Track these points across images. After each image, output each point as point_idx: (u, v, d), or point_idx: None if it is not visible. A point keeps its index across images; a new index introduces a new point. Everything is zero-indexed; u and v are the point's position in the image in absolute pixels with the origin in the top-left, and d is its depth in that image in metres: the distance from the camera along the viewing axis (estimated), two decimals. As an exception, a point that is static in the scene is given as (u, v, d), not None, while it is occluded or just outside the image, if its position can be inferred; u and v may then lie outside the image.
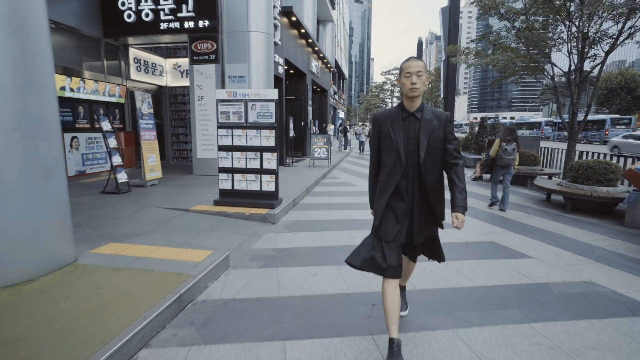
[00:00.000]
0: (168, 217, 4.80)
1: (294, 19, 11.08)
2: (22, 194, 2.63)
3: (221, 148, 5.34)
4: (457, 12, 18.60)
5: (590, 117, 39.33)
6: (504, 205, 6.01)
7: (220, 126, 5.28)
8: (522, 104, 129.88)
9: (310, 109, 15.08)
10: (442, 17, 22.57)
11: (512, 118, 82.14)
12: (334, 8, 20.91)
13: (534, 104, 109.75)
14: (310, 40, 13.59)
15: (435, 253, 2.26)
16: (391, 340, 2.00)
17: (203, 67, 8.40)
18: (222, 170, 5.40)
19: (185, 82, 10.64)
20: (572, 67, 8.08)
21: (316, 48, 14.88)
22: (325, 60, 17.71)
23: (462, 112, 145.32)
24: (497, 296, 2.95)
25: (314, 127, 16.38)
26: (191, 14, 7.94)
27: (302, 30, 12.31)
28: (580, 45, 7.73)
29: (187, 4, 7.91)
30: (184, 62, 10.54)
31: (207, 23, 7.96)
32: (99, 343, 1.98)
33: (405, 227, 2.03)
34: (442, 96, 27.99)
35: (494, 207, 6.28)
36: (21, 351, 1.92)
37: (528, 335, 2.36)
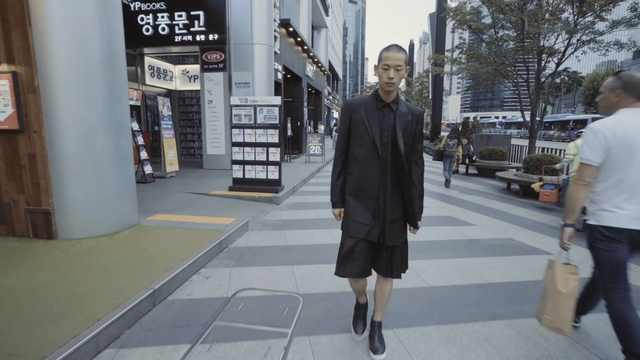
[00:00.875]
0: (193, 199, 6.00)
1: (291, 29, 12.30)
2: (112, 172, 3.83)
3: (234, 144, 6.56)
4: (444, 21, 19.85)
5: (574, 116, 41.08)
6: (448, 184, 8.29)
7: (234, 126, 6.50)
8: (513, 103, 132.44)
9: (305, 110, 16.29)
10: (430, 23, 23.86)
11: (504, 117, 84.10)
12: (327, 15, 22.17)
13: (525, 103, 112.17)
14: (305, 47, 14.82)
15: (397, 264, 2.01)
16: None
17: (212, 74, 9.59)
18: (235, 162, 6.62)
19: (192, 86, 11.81)
20: (532, 75, 9.41)
21: (311, 54, 16.11)
22: (319, 64, 18.95)
23: (456, 112, 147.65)
24: (440, 245, 4.22)
25: (309, 127, 17.58)
26: (202, 28, 9.13)
27: (299, 39, 13.53)
28: (536, 58, 9.06)
29: (199, 20, 9.10)
30: (191, 68, 11.70)
31: (216, 36, 9.16)
32: (179, 260, 3.20)
33: (377, 225, 1.93)
34: (430, 97, 29.38)
35: (448, 185, 8.33)
36: (130, 269, 3.12)
37: (452, 264, 3.62)
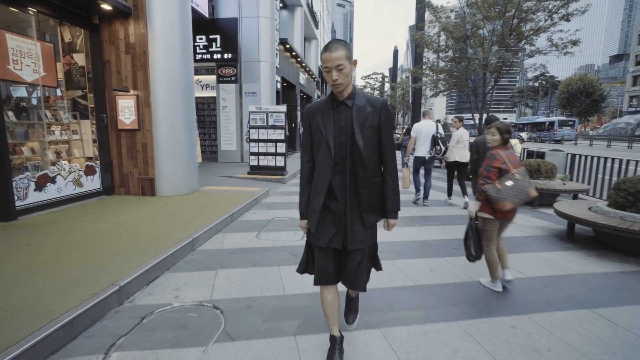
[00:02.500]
0: (224, 179, 8.33)
1: (287, 46, 14.67)
2: (187, 155, 6.16)
3: (252, 140, 8.92)
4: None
5: (543, 118, 44.37)
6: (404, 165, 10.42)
7: (252, 127, 8.85)
8: (496, 106, 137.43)
9: (299, 113, 18.68)
10: (410, 36, 26.49)
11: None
12: (317, 28, 24.59)
13: (506, 106, 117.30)
14: (299, 59, 17.20)
15: (360, 273, 1.90)
16: (333, 338, 2.00)
17: (226, 85, 11.90)
18: (252, 153, 8.96)
19: (204, 94, 14.05)
20: (481, 86, 12.02)
21: (304, 64, 18.51)
22: (310, 72, 21.37)
23: (442, 113, 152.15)
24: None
25: (301, 128, 19.96)
26: (219, 49, 11.46)
27: (293, 53, 15.91)
28: (482, 73, 11.68)
29: (216, 42, 11.43)
30: (204, 78, 13.93)
31: (230, 55, 11.49)
32: (233, 206, 5.55)
33: (341, 231, 1.83)
34: (410, 101, 32.09)
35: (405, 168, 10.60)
36: (206, 209, 5.46)
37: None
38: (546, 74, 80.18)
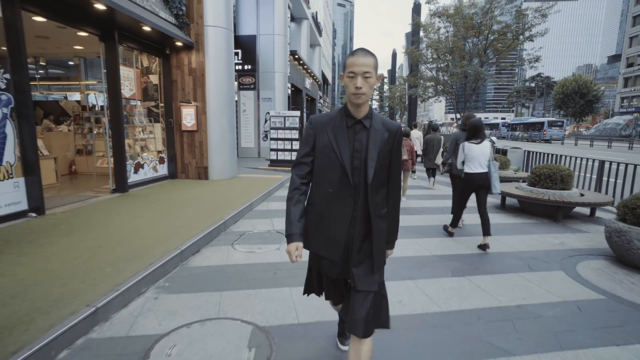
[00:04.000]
0: (251, 170, 10.43)
1: (296, 56, 16.77)
2: (230, 150, 8.28)
3: (272, 139, 11.02)
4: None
5: (534, 119, 46.35)
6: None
7: (272, 128, 10.96)
8: (494, 105, 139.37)
9: (305, 114, 20.80)
10: (407, 43, 28.54)
11: (485, 118, 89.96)
12: (320, 35, 26.70)
13: (503, 106, 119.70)
14: (305, 66, 19.30)
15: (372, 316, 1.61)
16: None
17: (246, 92, 13.99)
18: (272, 150, 11.07)
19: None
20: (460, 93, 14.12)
21: (309, 70, 20.61)
22: (314, 77, 23.48)
23: (441, 113, 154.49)
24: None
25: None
26: (240, 61, 13.55)
27: (301, 61, 18.01)
28: (462, 82, 13.78)
29: (238, 55, 13.51)
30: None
31: (249, 67, 13.58)
32: (267, 187, 7.66)
33: (343, 265, 1.65)
34: (407, 103, 34.20)
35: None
36: (247, 189, 7.57)
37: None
38: (542, 75, 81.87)
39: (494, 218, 5.82)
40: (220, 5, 7.71)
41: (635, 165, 6.24)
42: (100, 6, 5.00)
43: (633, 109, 53.63)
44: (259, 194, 6.71)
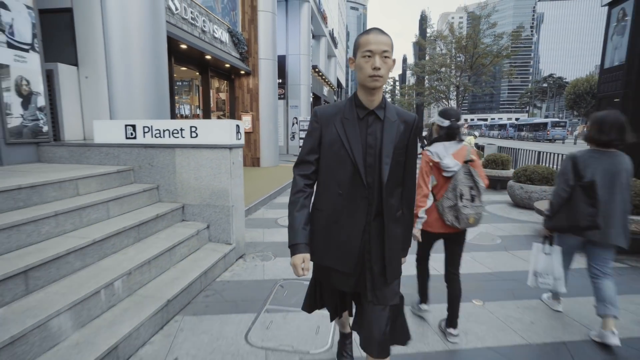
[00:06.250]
0: (286, 162, 13.66)
1: (317, 70, 20.03)
2: (274, 146, 11.58)
3: (301, 138, 14.26)
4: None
5: (538, 120, 48.13)
6: None
7: (302, 129, 14.21)
8: (508, 106, 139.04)
9: (323, 117, 24.01)
10: (414, 51, 31.40)
11: (493, 119, 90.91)
12: (336, 47, 29.90)
13: (516, 106, 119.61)
14: (324, 77, 22.53)
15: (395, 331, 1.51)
16: (344, 335, 1.99)
17: (277, 101, 17.27)
18: (301, 147, 14.31)
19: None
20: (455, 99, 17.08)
21: (327, 80, 23.83)
22: (330, 85, 26.69)
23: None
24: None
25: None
26: (273, 76, 16.85)
27: (320, 73, 21.25)
28: (455, 92, 16.73)
29: (271, 72, 16.81)
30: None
31: (280, 81, 16.86)
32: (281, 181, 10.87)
33: (363, 276, 1.47)
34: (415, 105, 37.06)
35: None
36: (270, 181, 10.81)
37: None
38: (554, 75, 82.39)
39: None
40: (269, 45, 11.01)
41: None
42: (208, 57, 8.33)
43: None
44: (298, 174, 9.92)
